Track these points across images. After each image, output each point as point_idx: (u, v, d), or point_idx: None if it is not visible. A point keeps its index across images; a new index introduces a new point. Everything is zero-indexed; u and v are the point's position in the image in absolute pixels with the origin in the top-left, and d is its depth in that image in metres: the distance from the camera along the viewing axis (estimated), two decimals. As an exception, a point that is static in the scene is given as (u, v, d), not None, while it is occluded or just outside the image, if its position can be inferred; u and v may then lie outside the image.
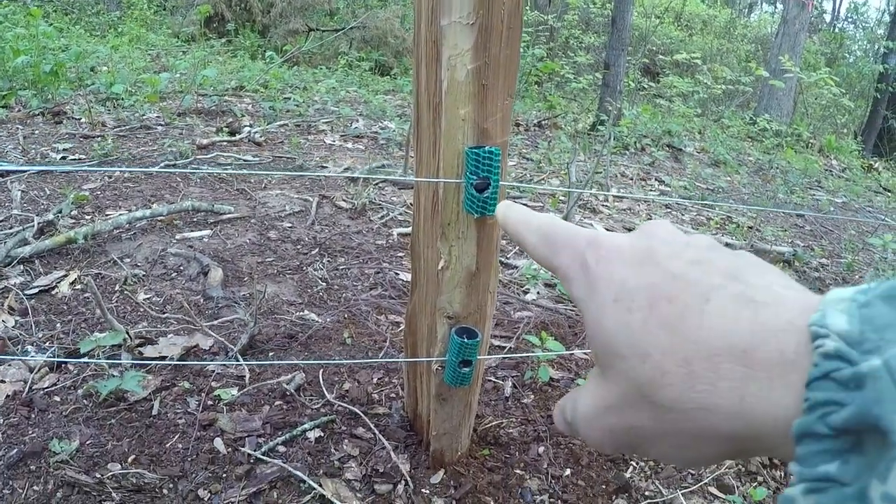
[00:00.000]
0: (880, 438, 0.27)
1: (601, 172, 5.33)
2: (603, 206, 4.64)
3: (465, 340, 1.42)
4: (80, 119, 5.06)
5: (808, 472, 0.30)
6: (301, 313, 2.50)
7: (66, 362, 2.06)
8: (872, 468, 0.28)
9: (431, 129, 1.32)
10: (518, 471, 1.80)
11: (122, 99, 5.73)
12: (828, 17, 23.44)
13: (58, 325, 2.27)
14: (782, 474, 1.99)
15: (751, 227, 4.75)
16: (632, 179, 5.77)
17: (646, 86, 10.61)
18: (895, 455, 0.26)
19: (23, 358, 2.06)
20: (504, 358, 2.33)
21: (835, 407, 0.29)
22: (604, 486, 1.80)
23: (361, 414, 1.91)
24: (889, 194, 8.09)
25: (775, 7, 23.54)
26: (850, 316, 0.31)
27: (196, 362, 2.12)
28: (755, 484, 1.90)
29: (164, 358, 2.12)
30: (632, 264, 0.42)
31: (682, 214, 4.86)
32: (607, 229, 4.02)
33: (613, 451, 0.46)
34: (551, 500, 1.73)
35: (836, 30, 22.56)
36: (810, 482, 0.30)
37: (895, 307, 0.30)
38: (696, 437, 0.38)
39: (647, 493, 1.80)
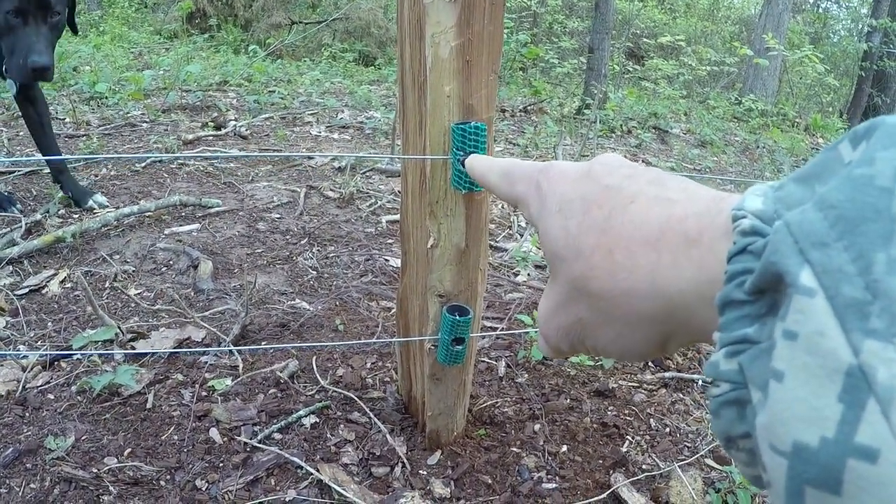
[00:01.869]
0: (783, 286, 0.29)
1: (588, 156, 5.33)
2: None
3: (457, 318, 1.43)
4: (64, 119, 5.03)
5: (728, 337, 0.32)
6: (292, 302, 2.50)
7: (59, 358, 2.05)
8: (778, 316, 0.29)
9: (417, 107, 1.32)
10: (514, 449, 1.81)
11: (106, 98, 5.71)
12: (811, -4, 23.46)
13: (49, 323, 2.26)
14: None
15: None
16: (619, 162, 5.76)
17: (630, 69, 10.65)
18: (790, 292, 0.28)
19: (15, 353, 2.05)
20: (496, 338, 2.33)
21: (749, 275, 0.32)
22: (600, 461, 1.81)
23: (356, 399, 1.92)
24: (875, 170, 8.11)
25: (757, -13, 23.54)
26: (766, 198, 0.34)
27: (189, 350, 2.11)
28: (751, 456, 1.91)
29: (156, 351, 2.12)
30: (573, 181, 0.49)
31: (671, 195, 4.86)
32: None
33: (570, 350, 0.51)
34: (548, 476, 1.73)
35: (820, 9, 22.57)
36: (731, 345, 0.32)
37: (806, 186, 0.32)
38: (626, 322, 0.43)
39: (643, 467, 1.80)
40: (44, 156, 3.35)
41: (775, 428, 0.28)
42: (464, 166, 1.23)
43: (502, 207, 3.84)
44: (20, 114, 4.98)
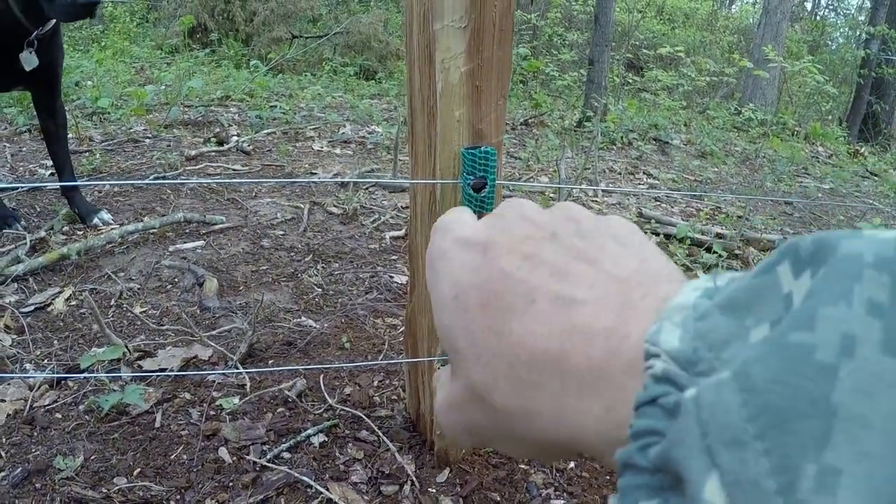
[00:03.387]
0: (681, 485, 0.25)
1: (589, 168, 5.35)
2: (592, 201, 4.66)
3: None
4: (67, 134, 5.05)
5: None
6: (298, 320, 2.50)
7: (66, 378, 2.06)
8: None
9: (426, 131, 1.33)
10: (522, 465, 1.82)
11: (109, 113, 5.72)
12: (809, 6, 23.55)
13: (55, 341, 2.27)
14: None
15: (740, 217, 4.77)
16: (620, 174, 5.79)
17: (630, 80, 10.68)
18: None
19: (24, 375, 2.06)
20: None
21: (657, 438, 0.27)
22: (608, 477, 1.81)
23: (364, 417, 1.92)
24: (876, 178, 8.13)
25: (756, -3, 23.65)
26: (685, 331, 0.28)
27: (197, 373, 2.12)
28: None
29: (164, 370, 2.13)
30: (471, 257, 0.40)
31: (672, 206, 4.88)
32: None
33: (471, 443, 0.43)
34: (556, 493, 1.74)
35: (818, 18, 22.66)
36: None
37: (735, 316, 0.27)
38: (531, 440, 0.36)
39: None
40: (57, 168, 3.40)
41: None
42: (474, 190, 1.25)
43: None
44: (24, 129, 5.02)
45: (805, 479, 0.21)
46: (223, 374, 2.12)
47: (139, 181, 3.59)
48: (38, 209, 3.43)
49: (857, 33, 17.28)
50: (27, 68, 3.03)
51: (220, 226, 3.33)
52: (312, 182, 3.02)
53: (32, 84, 3.18)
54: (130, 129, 5.37)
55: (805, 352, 0.23)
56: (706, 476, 0.23)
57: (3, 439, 1.79)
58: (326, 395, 2.04)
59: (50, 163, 4.19)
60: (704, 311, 0.28)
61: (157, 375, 2.09)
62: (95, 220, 3.26)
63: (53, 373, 2.08)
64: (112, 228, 3.17)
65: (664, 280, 0.35)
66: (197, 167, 4.41)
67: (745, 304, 0.27)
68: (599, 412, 0.32)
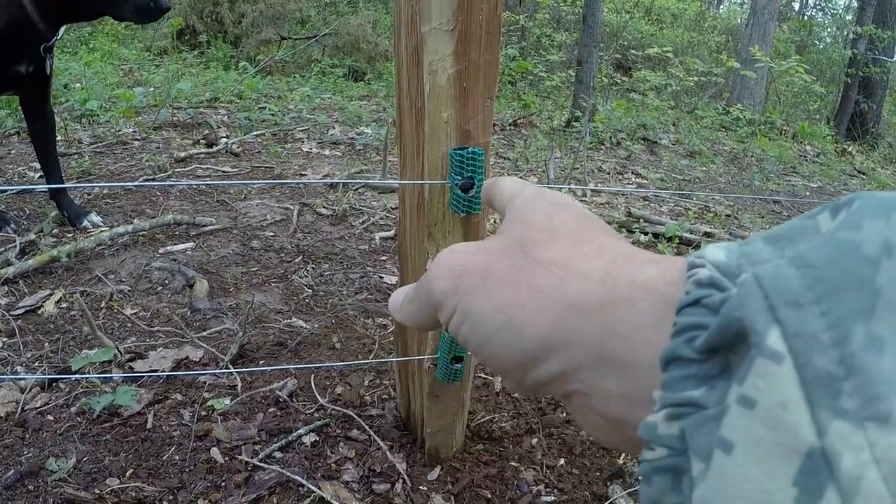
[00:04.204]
0: (745, 348, 0.26)
1: (578, 168, 5.37)
2: (581, 201, 4.67)
3: (456, 337, 1.45)
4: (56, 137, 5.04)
5: (670, 398, 0.29)
6: (289, 321, 2.51)
7: (57, 379, 2.06)
8: (733, 379, 0.26)
9: (414, 132, 1.34)
10: (513, 463, 1.83)
11: (98, 115, 5.70)
12: (797, 6, 23.63)
13: (46, 344, 2.27)
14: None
15: (728, 216, 4.80)
16: (608, 174, 5.81)
17: (619, 81, 10.71)
18: (753, 353, 0.25)
19: (14, 377, 2.06)
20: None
21: (701, 331, 0.28)
22: (598, 473, 1.83)
23: (355, 416, 1.93)
24: (863, 177, 8.18)
25: (743, -3, 23.73)
26: (729, 252, 0.30)
27: (188, 373, 2.13)
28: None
29: (155, 371, 2.13)
30: (581, 207, 0.45)
31: (661, 206, 4.90)
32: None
33: (443, 291, 0.41)
34: (547, 489, 1.75)
35: (806, 17, 22.73)
36: (673, 407, 0.29)
37: (775, 247, 0.29)
38: (541, 296, 0.37)
39: (640, 479, 1.82)
40: (45, 171, 3.40)
41: None
42: (462, 190, 1.26)
43: (495, 222, 3.87)
44: (12, 132, 5.01)
45: (856, 337, 0.24)
46: (214, 374, 2.12)
47: (128, 183, 3.59)
48: (28, 212, 3.43)
49: (845, 33, 17.32)
50: (46, 72, 3.10)
51: (210, 227, 3.34)
52: (302, 183, 3.03)
53: (25, 88, 3.20)
54: (119, 131, 5.36)
55: (853, 245, 0.26)
56: (769, 328, 0.25)
57: (-5, 441, 1.80)
58: (317, 395, 2.05)
59: (39, 165, 4.19)
60: (747, 240, 0.31)
61: (149, 376, 2.09)
62: (84, 223, 3.26)
63: (45, 375, 2.08)
64: (102, 231, 3.17)
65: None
66: (186, 169, 4.42)
67: (787, 237, 0.29)
68: (649, 274, 0.35)
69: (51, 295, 2.57)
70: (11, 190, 3.64)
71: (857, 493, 0.22)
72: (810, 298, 0.25)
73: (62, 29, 3.07)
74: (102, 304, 2.54)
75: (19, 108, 5.31)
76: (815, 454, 0.23)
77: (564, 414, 2.06)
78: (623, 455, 1.91)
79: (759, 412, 0.25)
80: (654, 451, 0.29)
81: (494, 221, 3.87)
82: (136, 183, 3.87)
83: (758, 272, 0.27)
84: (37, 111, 3.29)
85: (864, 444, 0.22)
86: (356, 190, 4.21)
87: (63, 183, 3.36)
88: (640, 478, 0.30)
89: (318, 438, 1.86)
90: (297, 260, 3.07)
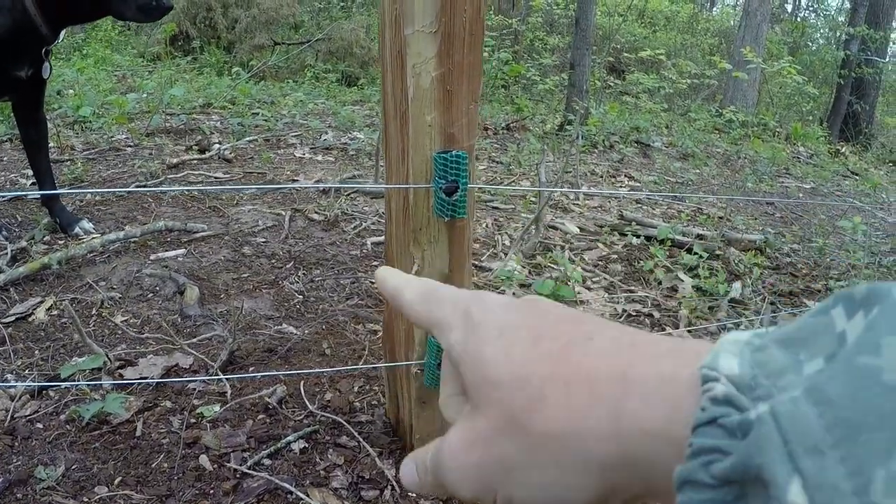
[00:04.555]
0: (763, 490, 0.26)
1: (571, 171, 5.37)
2: (574, 204, 4.67)
3: (443, 343, 1.44)
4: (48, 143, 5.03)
5: None
6: (279, 327, 2.51)
7: (47, 387, 2.05)
8: None
9: (399, 136, 1.34)
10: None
11: (91, 121, 5.70)
12: (789, 7, 23.67)
13: (36, 351, 2.26)
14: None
15: (721, 218, 4.80)
16: (601, 177, 5.81)
17: (612, 84, 10.71)
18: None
19: (3, 385, 2.05)
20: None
21: (719, 455, 0.28)
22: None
23: (344, 423, 1.93)
24: (857, 177, 8.19)
25: (737, 0, 23.78)
26: (742, 359, 0.30)
27: (177, 380, 2.12)
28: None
29: (145, 378, 2.12)
30: (516, 309, 0.44)
31: (653, 209, 4.90)
32: (579, 227, 4.06)
33: (474, 495, 0.42)
34: None
35: (798, 19, 22.78)
36: None
37: (790, 351, 0.29)
38: (567, 467, 0.36)
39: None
40: (38, 178, 3.39)
41: None
42: (446, 194, 1.26)
43: (486, 227, 3.87)
44: (4, 139, 5.00)
45: (877, 483, 0.23)
46: (204, 381, 2.12)
47: (120, 189, 3.58)
48: (20, 219, 3.42)
49: (837, 34, 17.38)
50: (45, 76, 3.10)
51: (202, 234, 3.33)
52: (293, 188, 3.02)
53: (22, 92, 3.20)
54: (112, 137, 5.35)
55: (873, 373, 0.25)
56: (790, 480, 0.25)
57: (-16, 450, 1.79)
58: (307, 402, 2.04)
59: (31, 172, 4.19)
60: (760, 344, 0.31)
61: (139, 383, 2.09)
62: (77, 230, 3.25)
63: (35, 382, 2.08)
64: (93, 237, 3.16)
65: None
66: (179, 175, 4.41)
67: (801, 340, 0.29)
68: (668, 411, 0.33)
69: (42, 302, 2.56)
70: (3, 196, 3.63)
71: None
72: (830, 443, 0.25)
73: (63, 32, 3.07)
74: (93, 312, 2.53)
75: (12, 114, 5.32)
76: None
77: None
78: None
79: None
80: None
81: (486, 227, 3.86)
82: (128, 189, 3.86)
83: (776, 409, 0.27)
84: (30, 116, 3.28)
85: None
86: (348, 195, 4.20)
87: (55, 189, 3.35)
88: None
89: (307, 445, 1.86)
90: (288, 266, 3.06)
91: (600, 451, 0.35)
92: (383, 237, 3.35)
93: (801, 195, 6.41)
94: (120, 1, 3.02)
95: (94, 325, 2.45)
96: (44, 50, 3.02)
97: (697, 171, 6.74)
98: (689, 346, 0.35)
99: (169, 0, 3.06)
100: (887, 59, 13.49)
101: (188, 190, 3.56)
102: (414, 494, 1.70)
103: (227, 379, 2.12)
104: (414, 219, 1.34)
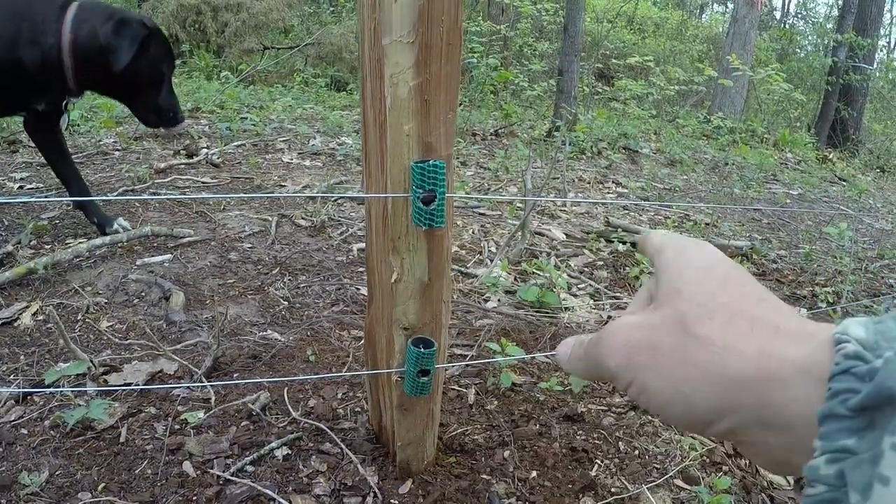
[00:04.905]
0: (891, 409, 0.34)
1: (558, 178, 5.38)
2: (561, 211, 4.69)
3: (422, 350, 1.45)
4: (35, 147, 5.02)
5: (829, 446, 0.36)
6: (264, 333, 2.51)
7: (31, 393, 2.05)
8: (885, 431, 0.34)
9: (378, 145, 1.35)
10: (485, 476, 1.83)
11: (79, 125, 5.69)
12: (778, 14, 23.77)
13: (21, 357, 2.26)
14: (747, 462, 2.03)
15: (708, 224, 4.82)
16: (589, 183, 5.83)
17: (600, 90, 10.73)
18: None
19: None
20: (466, 366, 2.35)
21: (852, 394, 0.36)
22: (570, 486, 1.83)
23: (328, 430, 1.93)
24: (844, 183, 8.23)
25: (726, 7, 23.83)
26: (867, 328, 0.38)
27: (161, 386, 2.12)
28: (720, 474, 1.94)
29: (129, 384, 2.13)
30: (723, 261, 0.52)
31: (640, 215, 4.92)
32: (565, 234, 4.08)
33: (617, 371, 0.51)
34: (519, 502, 1.75)
35: (787, 26, 22.87)
36: (831, 454, 0.36)
37: None
38: (704, 371, 0.45)
39: (612, 490, 1.83)
40: (65, 185, 3.41)
41: None
42: (423, 203, 1.27)
43: (473, 233, 3.88)
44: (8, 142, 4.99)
45: None
46: (188, 387, 2.12)
47: (110, 196, 3.58)
48: (6, 223, 3.41)
49: (825, 41, 17.46)
50: (62, 126, 3.19)
51: (188, 239, 3.33)
52: (278, 196, 3.03)
53: (33, 117, 3.23)
54: (100, 141, 5.35)
55: None
56: None
57: (-32, 456, 1.79)
58: (290, 408, 2.04)
59: (19, 175, 4.19)
60: (880, 320, 0.39)
61: (123, 389, 2.09)
62: (115, 227, 3.30)
63: (19, 388, 2.08)
64: (80, 242, 3.16)
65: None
66: (166, 180, 4.41)
67: None
68: (806, 353, 0.42)
69: (27, 307, 2.56)
70: (22, 201, 3.63)
71: None
72: None
73: (86, 92, 3.12)
74: (79, 317, 2.53)
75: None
76: None
77: (537, 426, 2.07)
78: (596, 467, 1.92)
79: None
80: (814, 488, 0.37)
81: (472, 233, 3.86)
82: (114, 196, 3.86)
83: None
84: (50, 131, 3.30)
85: None
86: (335, 201, 4.21)
87: (88, 193, 3.37)
88: None
89: (290, 452, 1.86)
90: (274, 272, 3.07)
91: (738, 369, 0.44)
92: (368, 244, 3.37)
93: (788, 201, 6.44)
94: (145, 109, 3.22)
95: (79, 331, 2.45)
96: (65, 101, 3.06)
97: (685, 177, 6.76)
98: (829, 326, 0.42)
99: (184, 117, 3.38)
100: (875, 66, 13.56)
101: (177, 198, 3.56)
102: (396, 502, 1.70)
103: (211, 385, 2.12)
104: (393, 227, 1.35)
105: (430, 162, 1.22)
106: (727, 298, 0.47)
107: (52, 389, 2.05)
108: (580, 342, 0.58)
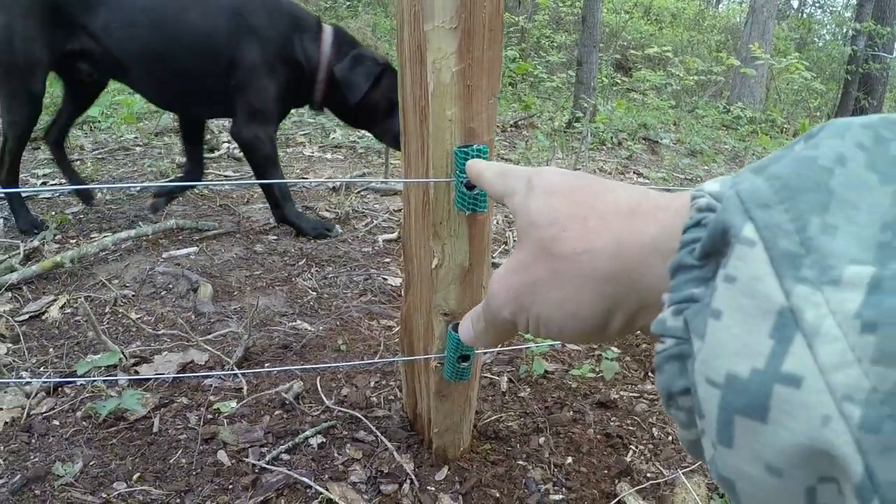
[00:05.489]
0: (727, 247, 0.33)
1: (580, 169, 5.37)
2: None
3: (463, 336, 1.45)
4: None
5: (676, 297, 0.36)
6: (293, 323, 2.51)
7: (62, 384, 2.06)
8: (720, 266, 0.34)
9: (418, 130, 1.34)
10: (521, 462, 1.83)
11: (99, 121, 5.71)
12: (795, 3, 23.62)
13: (50, 349, 2.27)
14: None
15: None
16: (610, 174, 5.81)
17: (619, 81, 10.70)
18: (733, 243, 0.32)
19: (19, 380, 2.06)
20: (498, 353, 2.35)
21: (700, 243, 0.35)
22: (606, 471, 1.82)
23: (362, 417, 1.93)
24: (865, 174, 8.16)
25: (742, -4, 23.71)
26: (723, 183, 0.38)
27: (193, 375, 2.13)
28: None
29: (161, 375, 2.13)
30: (563, 175, 0.53)
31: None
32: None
33: (512, 315, 0.53)
34: (555, 487, 1.75)
35: (804, 15, 22.73)
36: (678, 304, 0.36)
37: (758, 174, 0.34)
38: (580, 283, 0.46)
39: (648, 475, 1.82)
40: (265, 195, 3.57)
41: (711, 362, 0.32)
42: (467, 188, 1.26)
43: (497, 223, 3.87)
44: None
45: (812, 226, 0.30)
46: (220, 376, 2.12)
47: (143, 184, 3.60)
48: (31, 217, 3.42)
49: (844, 30, 17.35)
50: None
51: (213, 232, 3.34)
52: (308, 183, 3.03)
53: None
54: (121, 137, 5.37)
55: (812, 159, 0.32)
56: (744, 224, 0.32)
57: (2, 447, 1.79)
58: (323, 397, 2.04)
59: (41, 171, 4.21)
60: (738, 173, 0.37)
61: (154, 379, 2.09)
62: (337, 229, 3.47)
63: (52, 379, 2.09)
64: (105, 235, 3.17)
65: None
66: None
67: (767, 163, 0.35)
68: (658, 230, 0.42)
69: (55, 300, 2.57)
70: (134, 187, 3.64)
71: (817, 335, 0.28)
72: (776, 200, 0.32)
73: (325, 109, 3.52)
74: (106, 309, 2.54)
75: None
76: (785, 312, 0.29)
77: (571, 413, 2.06)
78: (631, 453, 1.91)
79: (739, 285, 0.32)
80: (664, 343, 0.37)
81: (506, 221, 3.86)
82: (142, 184, 3.87)
83: (738, 188, 0.34)
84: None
85: (821, 302, 0.28)
86: (359, 193, 4.21)
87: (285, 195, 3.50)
88: (654, 369, 0.38)
89: (324, 440, 1.86)
90: (300, 263, 3.07)
91: (605, 267, 0.45)
92: (395, 234, 3.37)
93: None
94: (383, 134, 3.50)
95: (107, 323, 2.45)
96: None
97: (706, 167, 6.73)
98: (687, 192, 0.42)
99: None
100: (894, 55, 13.43)
101: (207, 185, 3.56)
102: (433, 488, 1.70)
103: (243, 375, 2.12)
104: (434, 213, 1.34)
105: (474, 146, 1.22)
106: (576, 207, 0.49)
107: (84, 379, 2.06)
108: (475, 314, 0.60)
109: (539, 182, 0.54)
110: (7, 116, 3.16)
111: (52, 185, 4.08)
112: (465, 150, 1.22)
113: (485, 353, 2.31)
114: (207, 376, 2.13)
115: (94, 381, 2.04)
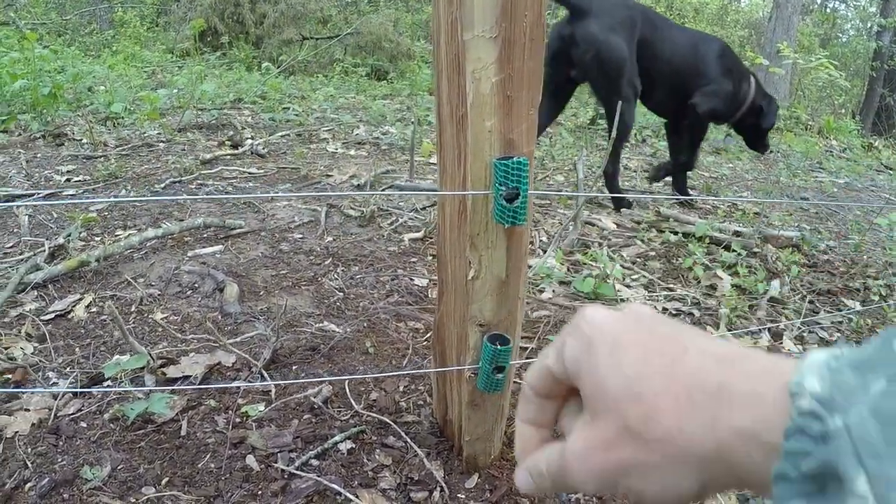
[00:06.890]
0: (839, 483, 0.35)
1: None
2: (609, 200, 4.65)
3: (498, 347, 1.43)
4: (81, 140, 5.06)
5: None
6: (321, 324, 2.50)
7: (90, 392, 2.06)
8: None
9: (455, 140, 1.33)
10: (551, 472, 1.81)
11: (122, 118, 5.73)
12: (819, -2, 23.43)
13: (77, 349, 2.27)
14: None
15: (757, 214, 4.76)
16: (635, 171, 5.78)
17: (642, 77, 10.61)
18: (846, 493, 0.34)
19: (45, 390, 2.06)
20: (529, 360, 2.33)
21: (805, 456, 0.36)
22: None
23: (391, 423, 1.92)
24: (891, 172, 8.10)
25: (765, -9, 23.52)
26: (823, 380, 0.38)
27: (221, 385, 2.12)
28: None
29: (188, 377, 2.12)
30: (620, 322, 0.51)
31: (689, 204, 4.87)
32: (615, 223, 4.04)
33: (598, 490, 0.51)
34: (586, 499, 1.73)
35: (828, 10, 22.54)
36: None
37: (859, 375, 0.36)
38: (676, 464, 0.45)
39: None
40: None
41: None
42: (507, 201, 1.24)
43: (546, 235, 3.84)
44: (38, 135, 5.03)
45: None
46: (248, 384, 2.11)
47: (176, 196, 3.60)
48: (55, 215, 3.43)
49: (869, 25, 17.20)
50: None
51: (239, 230, 3.34)
52: (337, 195, 3.02)
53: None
54: (144, 133, 5.39)
55: None
56: (857, 474, 0.34)
57: (29, 449, 1.79)
58: (352, 401, 2.03)
59: (65, 168, 4.22)
60: (836, 367, 0.38)
61: (182, 389, 2.09)
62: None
63: (76, 381, 2.08)
64: (130, 234, 3.17)
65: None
66: (212, 171, 4.42)
67: (870, 365, 0.37)
68: (753, 419, 0.41)
69: (81, 299, 2.57)
70: (38, 194, 3.64)
71: None
72: (884, 445, 0.33)
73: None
74: (132, 309, 2.53)
75: (44, 111, 5.36)
76: None
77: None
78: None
79: None
80: None
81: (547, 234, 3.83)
82: (179, 196, 3.88)
83: (848, 423, 0.35)
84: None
85: None
86: (383, 191, 4.20)
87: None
88: None
89: (354, 445, 1.85)
90: (326, 262, 3.06)
91: (701, 450, 0.44)
92: (421, 233, 3.36)
93: (835, 190, 6.34)
94: (756, 143, 5.34)
95: (133, 323, 2.45)
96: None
97: (731, 164, 6.69)
98: (780, 368, 0.42)
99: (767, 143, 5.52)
100: (920, 51, 13.30)
101: (233, 198, 3.57)
102: (463, 496, 1.69)
103: (273, 383, 2.11)
104: (471, 224, 1.32)
105: (514, 159, 1.20)
106: (658, 378, 0.47)
107: (109, 388, 2.05)
108: (536, 469, 0.57)
109: (593, 330, 0.51)
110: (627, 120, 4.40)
111: (76, 181, 4.08)
112: (505, 162, 1.20)
113: (520, 362, 2.29)
114: (234, 385, 2.12)
115: (123, 389, 2.04)
